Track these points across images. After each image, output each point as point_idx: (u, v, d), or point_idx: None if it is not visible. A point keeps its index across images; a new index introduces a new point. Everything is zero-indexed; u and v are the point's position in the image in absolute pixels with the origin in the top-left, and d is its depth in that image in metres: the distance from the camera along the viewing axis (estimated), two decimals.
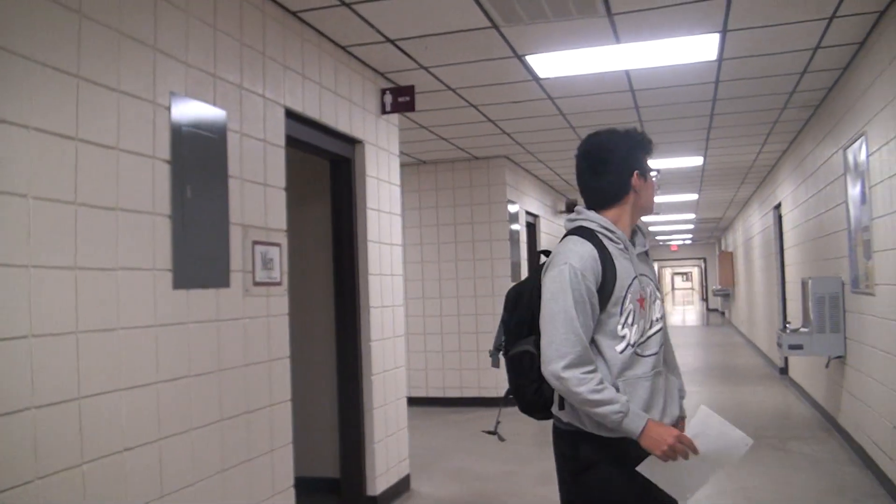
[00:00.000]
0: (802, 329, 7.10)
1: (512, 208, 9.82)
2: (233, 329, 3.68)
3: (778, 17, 4.72)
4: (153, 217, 3.17)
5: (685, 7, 4.45)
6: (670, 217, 19.10)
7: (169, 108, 3.28)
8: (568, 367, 2.21)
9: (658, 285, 2.53)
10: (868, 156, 5.32)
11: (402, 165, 9.60)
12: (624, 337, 2.33)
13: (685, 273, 57.62)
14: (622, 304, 2.33)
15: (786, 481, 5.73)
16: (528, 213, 10.85)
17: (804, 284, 7.30)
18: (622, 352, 2.31)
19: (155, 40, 3.21)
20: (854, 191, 5.84)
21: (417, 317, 9.80)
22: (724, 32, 4.91)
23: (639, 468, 2.23)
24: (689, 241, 31.85)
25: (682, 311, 37.32)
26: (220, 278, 3.59)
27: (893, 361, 4.97)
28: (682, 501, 2.40)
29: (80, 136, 2.77)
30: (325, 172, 5.32)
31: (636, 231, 2.52)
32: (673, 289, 57.83)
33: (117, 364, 2.91)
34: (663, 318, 2.50)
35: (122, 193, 2.98)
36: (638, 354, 2.34)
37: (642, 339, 2.36)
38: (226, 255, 3.64)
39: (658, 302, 2.48)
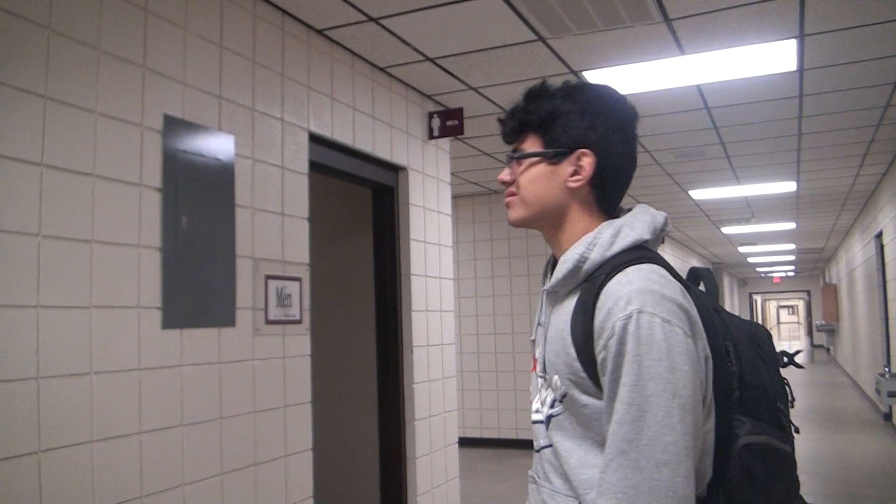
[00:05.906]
0: None
1: None
2: (238, 372, 3.34)
3: (860, 16, 4.10)
4: (138, 249, 2.88)
5: (749, 8, 3.94)
6: (769, 248, 18.10)
7: (161, 133, 3.01)
8: None
9: (557, 365, 1.42)
10: None
11: (460, 196, 9.31)
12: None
13: (790, 306, 55.37)
14: None
15: None
16: None
17: None
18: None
19: (144, 59, 2.95)
20: None
21: (472, 353, 9.39)
22: (801, 38, 4.36)
23: None
24: (791, 273, 30.43)
25: (789, 346, 35.64)
26: (222, 317, 3.27)
27: None
28: None
29: (46, 162, 2.52)
30: (369, 201, 4.98)
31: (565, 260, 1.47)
32: (778, 322, 55.58)
33: (87, 412, 2.61)
34: (551, 418, 1.44)
35: (98, 224, 2.70)
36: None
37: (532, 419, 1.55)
38: (231, 291, 3.32)
39: (543, 386, 1.48)
